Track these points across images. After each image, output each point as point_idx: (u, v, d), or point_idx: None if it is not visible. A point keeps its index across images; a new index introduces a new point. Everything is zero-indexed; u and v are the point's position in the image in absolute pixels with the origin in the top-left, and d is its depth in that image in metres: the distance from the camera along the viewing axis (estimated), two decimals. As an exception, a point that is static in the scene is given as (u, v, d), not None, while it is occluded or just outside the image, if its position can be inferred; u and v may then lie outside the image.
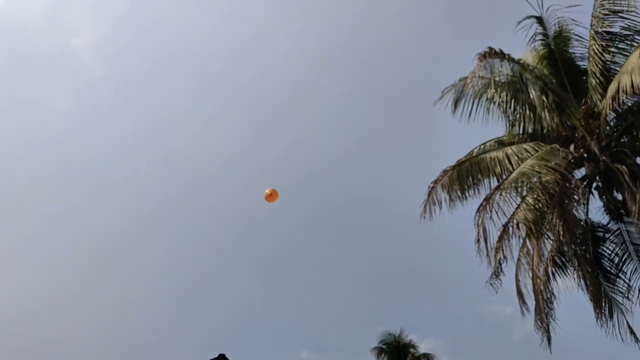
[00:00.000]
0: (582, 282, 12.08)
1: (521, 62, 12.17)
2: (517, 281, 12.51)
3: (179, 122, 38.32)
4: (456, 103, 12.36)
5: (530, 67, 12.18)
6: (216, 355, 9.52)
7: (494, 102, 12.55)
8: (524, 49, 12.80)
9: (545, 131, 11.94)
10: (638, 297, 12.02)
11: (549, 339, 12.20)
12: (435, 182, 12.29)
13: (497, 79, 12.22)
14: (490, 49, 11.75)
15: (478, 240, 10.68)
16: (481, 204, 10.96)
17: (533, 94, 11.63)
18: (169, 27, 37.88)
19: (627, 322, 12.00)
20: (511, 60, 11.84)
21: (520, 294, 12.45)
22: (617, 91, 9.82)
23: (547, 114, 11.85)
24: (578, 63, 12.49)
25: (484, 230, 10.60)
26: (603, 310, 12.18)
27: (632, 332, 11.85)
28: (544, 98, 11.74)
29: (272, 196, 10.26)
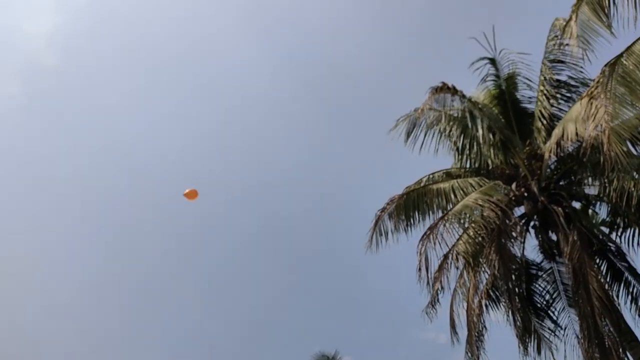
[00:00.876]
0: (511, 317, 12.46)
1: (472, 99, 12.62)
2: (452, 311, 12.74)
3: (130, 115, 37.09)
4: (409, 133, 12.61)
5: (480, 105, 12.64)
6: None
7: (445, 135, 12.87)
8: (478, 87, 13.28)
9: (490, 167, 12.33)
10: (564, 335, 12.51)
11: (477, 371, 12.45)
12: (383, 210, 12.40)
13: (449, 112, 12.57)
14: (443, 84, 12.14)
15: (420, 268, 10.82)
16: (425, 233, 11.12)
17: (480, 131, 12.07)
18: (127, 18, 36.82)
19: (553, 358, 12.43)
20: (462, 96, 12.26)
21: (453, 323, 12.66)
22: (562, 137, 10.26)
23: (492, 151, 12.29)
24: (526, 105, 13.03)
25: (426, 259, 10.75)
26: (527, 347, 12.56)
27: (557, 368, 12.26)
28: (491, 136, 12.19)
29: (191, 194, 11.01)
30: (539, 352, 12.61)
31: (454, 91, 12.18)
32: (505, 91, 12.92)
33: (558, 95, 12.20)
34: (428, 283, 11.29)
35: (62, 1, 36.70)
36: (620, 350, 9.97)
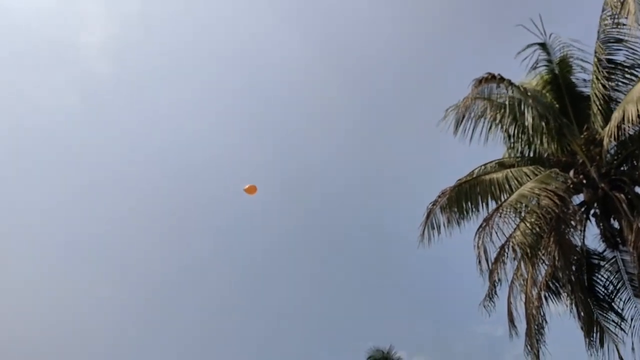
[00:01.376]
0: (575, 308, 12.08)
1: (521, 87, 12.23)
2: (509, 304, 12.44)
3: (186, 122, 38.10)
4: (457, 124, 12.34)
5: (530, 93, 12.20)
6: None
7: (495, 125, 12.54)
8: (528, 74, 12.90)
9: (545, 155, 11.96)
10: (630, 327, 11.99)
11: (538, 365, 12.11)
12: (434, 203, 12.22)
13: (498, 101, 12.25)
14: (488, 74, 11.81)
15: (479, 261, 10.59)
16: (481, 225, 10.87)
17: (529, 120, 11.67)
18: (177, 26, 37.81)
19: (618, 352, 11.95)
20: (509, 84, 11.88)
21: (511, 317, 12.37)
22: (622, 120, 9.85)
23: (546, 139, 11.88)
24: (581, 89, 12.55)
25: (485, 251, 10.53)
26: (593, 339, 12.15)
27: (623, 361, 11.78)
28: (543, 124, 11.76)
29: (250, 189, 11.64)
30: (601, 345, 12.17)
31: (500, 80, 11.83)
32: (559, 75, 12.47)
33: (615, 77, 11.70)
34: (490, 275, 11.06)
35: (114, 10, 38.00)
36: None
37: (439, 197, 12.25)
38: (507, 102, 12.09)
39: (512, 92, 12.08)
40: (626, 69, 11.71)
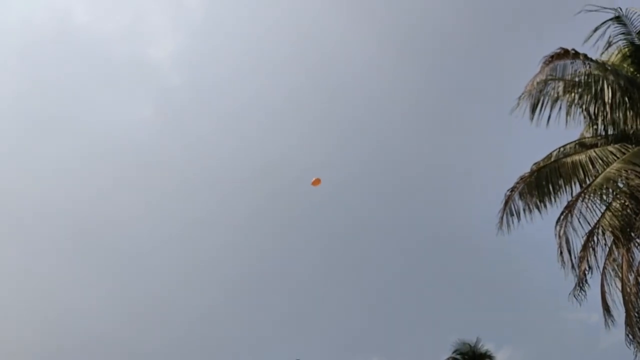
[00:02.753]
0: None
1: (599, 61, 11.55)
2: (603, 292, 11.83)
3: (259, 129, 39.45)
4: (533, 108, 11.84)
5: (609, 66, 11.49)
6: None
7: (573, 104, 11.92)
8: (603, 53, 12.18)
9: (631, 132, 11.21)
10: None
11: (644, 354, 11.41)
12: (512, 190, 11.83)
13: (576, 79, 11.64)
14: (562, 49, 11.25)
15: (561, 252, 10.19)
16: (562, 213, 10.44)
17: (610, 95, 10.98)
18: (242, 35, 39.22)
19: None
20: (587, 59, 11.25)
21: (606, 305, 11.78)
22: None
23: (630, 115, 11.14)
24: (669, 57, 11.68)
25: (567, 241, 10.10)
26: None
27: None
28: (626, 98, 11.04)
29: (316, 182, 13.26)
30: None
31: (574, 55, 11.24)
32: (640, 46, 11.67)
33: None
34: (573, 267, 10.58)
35: (180, 23, 40.05)
36: None
37: (517, 183, 11.85)
38: (584, 79, 11.47)
39: (590, 68, 11.44)
40: None
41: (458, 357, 28.52)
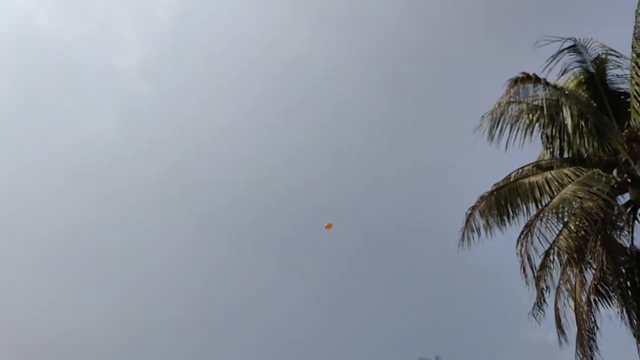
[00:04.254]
0: (626, 315, 11.62)
1: (557, 86, 11.98)
2: (557, 310, 12.12)
3: (227, 135, 39.03)
4: (492, 130, 12.16)
5: (567, 92, 11.94)
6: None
7: (531, 127, 12.32)
8: (559, 79, 12.66)
9: (585, 156, 11.63)
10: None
11: (593, 372, 11.69)
12: (473, 208, 12.06)
13: (534, 103, 12.02)
14: (524, 74, 11.58)
15: (524, 269, 10.43)
16: (522, 232, 10.69)
17: (569, 119, 11.40)
18: (210, 43, 38.91)
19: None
20: (546, 84, 11.65)
21: (559, 323, 12.06)
22: (664, 115, 9.50)
23: (586, 138, 11.57)
24: (619, 86, 12.22)
25: (529, 258, 10.35)
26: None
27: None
28: (582, 123, 11.48)
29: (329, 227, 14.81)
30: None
31: (535, 79, 11.59)
32: (595, 74, 12.18)
33: (655, 70, 11.32)
34: (527, 284, 10.83)
35: (147, 31, 39.38)
36: None
37: (478, 202, 12.09)
38: (544, 103, 11.85)
39: (549, 92, 11.85)
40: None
41: (416, 375, 28.66)
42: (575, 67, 12.54)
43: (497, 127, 12.07)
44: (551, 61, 12.15)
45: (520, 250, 10.45)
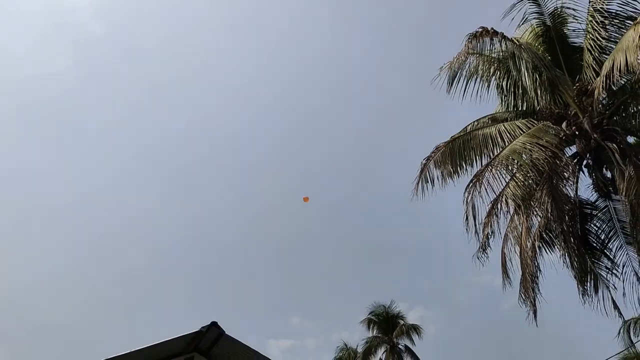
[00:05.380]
0: (568, 258, 12.31)
1: (514, 40, 12.12)
2: (503, 255, 12.69)
3: (177, 80, 38.29)
4: (451, 81, 12.30)
5: (523, 46, 12.11)
6: (208, 323, 9.66)
7: (488, 80, 12.50)
8: (518, 29, 12.76)
9: (538, 108, 11.95)
10: (622, 273, 12.28)
11: (534, 312, 12.44)
12: (428, 158, 12.31)
13: (492, 55, 12.18)
14: (483, 28, 11.69)
15: (467, 217, 10.80)
16: (471, 181, 11.03)
17: (524, 72, 11.62)
18: None
19: (612, 297, 12.26)
20: (504, 38, 11.77)
21: (504, 268, 12.64)
22: (612, 69, 9.80)
23: (539, 92, 11.85)
24: (574, 40, 12.46)
25: (473, 207, 10.72)
26: (587, 286, 12.43)
27: (616, 306, 12.10)
28: (537, 76, 11.72)
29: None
30: (596, 292, 12.45)
31: (493, 34, 11.71)
32: (551, 27, 12.34)
33: (608, 27, 11.56)
34: (476, 232, 11.26)
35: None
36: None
37: (433, 152, 12.34)
38: (501, 55, 12.01)
39: (506, 46, 11.99)
40: (620, 19, 11.57)
41: (373, 317, 29.87)
42: (534, 18, 12.65)
43: (455, 78, 12.24)
44: (510, 10, 12.26)
45: (467, 198, 10.80)
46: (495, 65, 12.29)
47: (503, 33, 11.78)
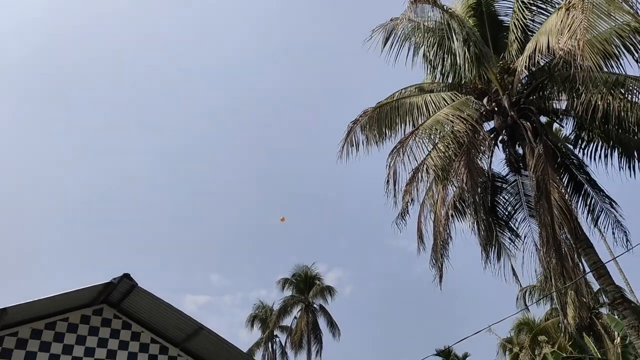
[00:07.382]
0: (476, 227, 13.03)
1: (450, 10, 12.26)
2: (419, 222, 13.20)
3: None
4: (385, 42, 12.27)
5: (458, 17, 12.31)
6: (120, 275, 9.34)
7: (420, 47, 12.62)
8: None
9: (463, 82, 12.28)
10: (523, 243, 13.21)
11: (440, 277, 13.12)
12: (355, 122, 12.37)
13: (426, 24, 12.27)
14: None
15: (387, 181, 11.03)
16: (395, 147, 11.23)
17: (456, 44, 11.83)
18: None
19: (512, 265, 13.18)
20: (441, 7, 11.88)
21: (420, 233, 13.16)
22: (534, 51, 10.19)
23: (466, 65, 12.14)
24: (502, 18, 12.81)
25: (395, 173, 10.95)
26: (490, 254, 13.27)
27: (514, 273, 13.03)
28: (466, 49, 11.99)
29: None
30: (498, 259, 13.33)
31: (433, 2, 11.79)
32: (482, 2, 12.61)
33: (534, 7, 11.97)
34: (395, 195, 11.56)
35: None
36: (576, 255, 10.59)
37: (360, 116, 12.41)
38: (436, 25, 12.11)
39: (442, 15, 12.11)
40: (545, 1, 12.01)
41: (291, 278, 30.47)
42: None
43: (389, 40, 12.24)
44: None
45: (390, 163, 11.01)
46: (428, 34, 12.41)
47: (440, 2, 11.89)
